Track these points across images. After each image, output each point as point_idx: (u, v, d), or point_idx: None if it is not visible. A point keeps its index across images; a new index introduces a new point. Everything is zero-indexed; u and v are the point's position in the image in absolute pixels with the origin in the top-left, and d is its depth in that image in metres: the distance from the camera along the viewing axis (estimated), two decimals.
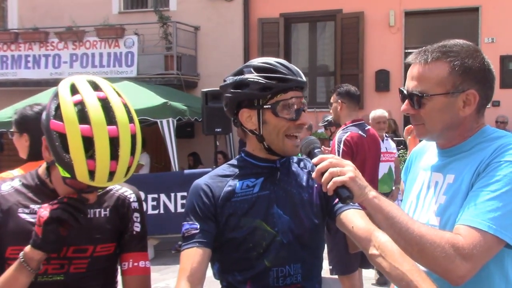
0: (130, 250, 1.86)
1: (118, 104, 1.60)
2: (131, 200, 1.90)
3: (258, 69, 1.81)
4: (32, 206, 1.76)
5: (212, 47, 12.39)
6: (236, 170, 1.88)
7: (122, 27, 11.98)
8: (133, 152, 1.60)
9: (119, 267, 1.92)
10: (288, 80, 1.79)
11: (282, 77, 1.79)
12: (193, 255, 1.71)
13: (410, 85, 1.72)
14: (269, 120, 1.80)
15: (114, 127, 1.55)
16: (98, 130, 1.52)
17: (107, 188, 1.87)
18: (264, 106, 1.79)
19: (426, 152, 1.92)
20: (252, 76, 1.79)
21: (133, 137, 1.60)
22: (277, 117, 1.78)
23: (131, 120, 1.61)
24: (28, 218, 1.74)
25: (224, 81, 1.88)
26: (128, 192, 1.92)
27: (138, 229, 1.89)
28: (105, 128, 1.53)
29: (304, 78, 1.84)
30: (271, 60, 1.84)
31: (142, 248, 1.89)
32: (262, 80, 1.77)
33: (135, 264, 1.85)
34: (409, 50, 10.91)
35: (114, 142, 1.54)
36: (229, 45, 12.24)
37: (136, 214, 1.90)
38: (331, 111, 4.99)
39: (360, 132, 4.66)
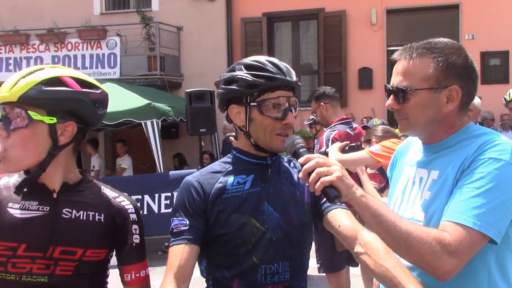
0: (131, 262, 1.85)
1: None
2: (129, 211, 1.87)
3: (248, 67, 1.84)
4: (22, 201, 1.73)
5: (195, 47, 12.35)
6: (228, 167, 1.89)
7: (104, 28, 11.89)
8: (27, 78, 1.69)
9: (109, 273, 1.90)
10: (275, 79, 1.80)
11: (270, 76, 1.80)
12: (181, 251, 1.72)
13: (395, 80, 1.75)
14: (255, 118, 1.81)
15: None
16: None
17: (104, 194, 1.85)
18: (251, 104, 1.81)
19: (411, 149, 1.95)
20: (241, 73, 1.82)
21: (40, 69, 1.73)
22: (262, 115, 1.80)
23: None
24: (17, 213, 1.71)
25: (220, 77, 1.91)
26: (125, 202, 1.88)
27: (137, 241, 1.86)
28: None
29: (294, 78, 1.85)
30: (263, 58, 1.86)
31: (142, 258, 1.89)
32: (249, 78, 1.79)
33: (137, 275, 1.85)
34: (392, 48, 11.03)
35: None
36: (213, 45, 12.22)
37: (135, 226, 1.87)
38: (317, 118, 5.04)
39: (347, 130, 4.70)
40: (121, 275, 1.87)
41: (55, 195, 1.75)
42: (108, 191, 1.88)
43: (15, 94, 1.65)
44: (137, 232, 1.87)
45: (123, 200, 1.88)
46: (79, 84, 1.75)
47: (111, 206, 1.84)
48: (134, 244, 1.85)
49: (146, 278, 1.89)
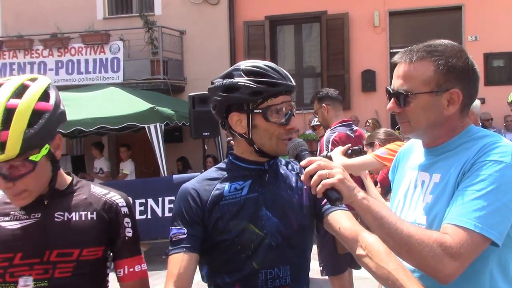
0: (124, 256, 1.86)
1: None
2: (120, 205, 1.88)
3: (248, 73, 1.80)
4: (12, 212, 1.75)
5: (198, 51, 12.37)
6: (224, 173, 1.88)
7: (107, 33, 11.94)
8: (5, 127, 1.57)
9: (109, 271, 1.91)
10: (278, 85, 1.79)
11: (272, 82, 1.78)
12: (180, 260, 1.72)
13: (396, 83, 1.75)
14: (260, 125, 1.80)
15: None
16: None
17: (94, 192, 1.87)
18: (255, 111, 1.79)
19: (413, 152, 1.94)
20: (243, 80, 1.78)
21: (8, 111, 1.59)
22: (267, 122, 1.78)
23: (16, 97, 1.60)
24: (9, 225, 1.73)
25: (212, 83, 1.87)
26: (116, 197, 1.90)
27: (130, 234, 1.88)
28: None
29: (293, 82, 1.84)
30: (261, 63, 1.84)
31: (136, 252, 1.89)
32: (252, 85, 1.77)
33: (131, 269, 1.85)
34: (394, 50, 10.99)
35: None
36: (215, 48, 12.24)
37: (127, 220, 1.89)
38: (318, 120, 5.06)
39: (348, 132, 4.71)
40: (115, 271, 1.87)
41: (46, 201, 1.76)
42: (98, 189, 1.90)
43: (13, 152, 1.58)
44: (130, 225, 1.88)
45: (114, 195, 1.90)
46: (45, 100, 1.69)
47: (102, 203, 1.86)
48: (126, 238, 1.86)
49: (142, 274, 1.88)
